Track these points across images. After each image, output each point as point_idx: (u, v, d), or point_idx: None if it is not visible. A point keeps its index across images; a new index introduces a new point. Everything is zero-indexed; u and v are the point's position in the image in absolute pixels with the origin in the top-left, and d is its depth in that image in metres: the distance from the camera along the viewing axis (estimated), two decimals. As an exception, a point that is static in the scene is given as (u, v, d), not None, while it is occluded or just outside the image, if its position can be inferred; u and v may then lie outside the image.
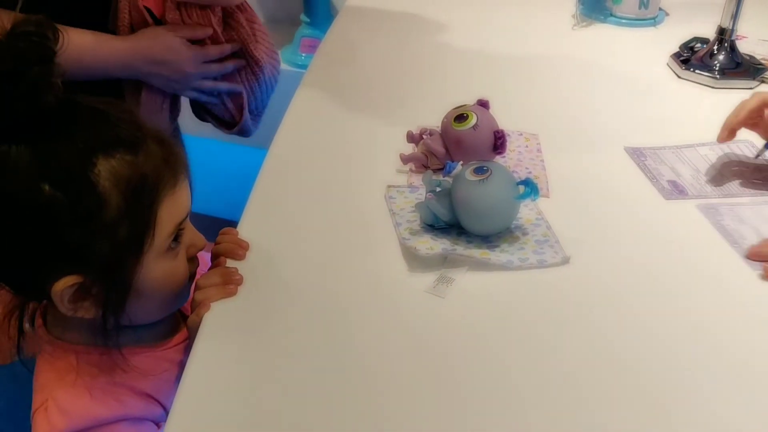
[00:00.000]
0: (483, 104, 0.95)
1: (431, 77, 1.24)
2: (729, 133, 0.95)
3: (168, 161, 0.70)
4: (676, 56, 1.25)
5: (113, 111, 0.70)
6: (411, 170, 0.96)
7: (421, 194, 0.89)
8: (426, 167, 0.95)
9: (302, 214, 0.89)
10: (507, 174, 0.82)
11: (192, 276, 0.78)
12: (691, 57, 1.23)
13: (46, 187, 0.63)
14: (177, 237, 0.73)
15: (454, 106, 0.95)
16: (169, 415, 0.63)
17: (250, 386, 0.65)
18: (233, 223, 0.86)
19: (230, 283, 0.76)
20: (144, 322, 0.76)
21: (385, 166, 0.97)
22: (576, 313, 0.75)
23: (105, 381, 0.73)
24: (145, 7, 1.09)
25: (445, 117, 0.94)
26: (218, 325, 0.72)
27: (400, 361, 0.68)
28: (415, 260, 0.80)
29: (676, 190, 0.93)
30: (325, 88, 1.17)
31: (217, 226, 0.86)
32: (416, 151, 0.95)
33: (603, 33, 1.41)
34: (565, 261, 0.80)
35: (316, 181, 0.95)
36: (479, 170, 0.80)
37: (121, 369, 0.73)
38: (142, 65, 1.11)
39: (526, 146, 1.02)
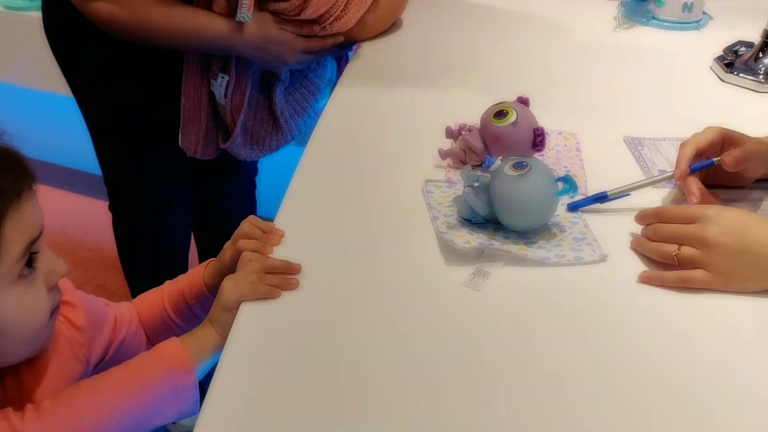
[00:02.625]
0: (523, 101, 0.95)
1: (470, 74, 1.24)
2: (682, 173, 0.85)
3: (5, 171, 0.62)
4: (720, 60, 1.24)
5: None
6: (449, 166, 0.96)
7: (459, 189, 0.89)
8: (464, 163, 0.95)
9: (340, 208, 0.89)
10: (546, 170, 0.81)
11: (55, 309, 0.69)
12: (735, 61, 1.22)
13: None
14: (30, 261, 0.64)
15: (494, 103, 0.95)
16: (202, 407, 0.63)
17: (285, 375, 0.66)
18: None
19: (293, 274, 0.75)
20: (3, 365, 0.67)
21: (423, 161, 0.97)
22: (611, 310, 0.74)
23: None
24: None
25: (485, 113, 0.94)
26: (254, 316, 0.72)
27: (435, 352, 0.68)
28: (452, 254, 0.80)
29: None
30: (364, 83, 1.18)
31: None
32: (455, 146, 0.95)
33: (645, 36, 1.39)
34: (603, 259, 0.80)
35: (353, 175, 0.95)
36: (519, 165, 0.80)
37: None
38: (245, 49, 1.15)
39: (565, 145, 1.01)
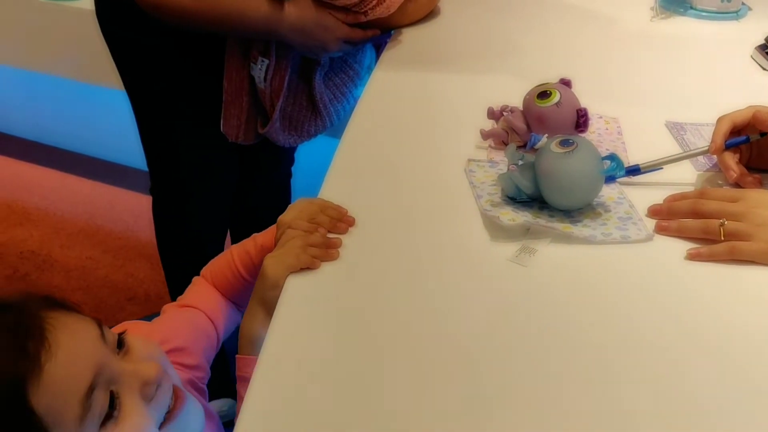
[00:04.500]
0: (565, 83, 0.95)
1: (508, 59, 1.23)
2: (717, 147, 0.86)
3: (18, 344, 0.56)
4: (762, 48, 1.22)
5: None
6: (490, 146, 0.96)
7: (502, 169, 0.89)
8: (505, 143, 0.94)
9: (382, 187, 0.89)
10: (593, 148, 0.81)
11: (176, 399, 0.65)
12: (776, 49, 1.20)
13: None
14: (112, 400, 0.59)
15: (536, 84, 0.94)
16: (250, 383, 0.63)
17: (331, 354, 0.66)
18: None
19: (333, 248, 0.76)
20: None
21: (464, 141, 0.97)
22: (658, 288, 0.74)
23: None
24: None
25: (527, 94, 0.94)
26: (299, 293, 0.72)
27: (483, 325, 0.69)
28: (497, 231, 0.80)
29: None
30: (402, 68, 1.18)
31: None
32: (497, 127, 0.95)
33: (683, 25, 1.38)
34: (649, 238, 0.79)
35: (395, 155, 0.96)
36: (565, 143, 0.80)
37: None
38: (288, 32, 1.16)
39: (606, 128, 1.01)
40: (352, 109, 1.39)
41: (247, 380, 0.63)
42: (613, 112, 1.04)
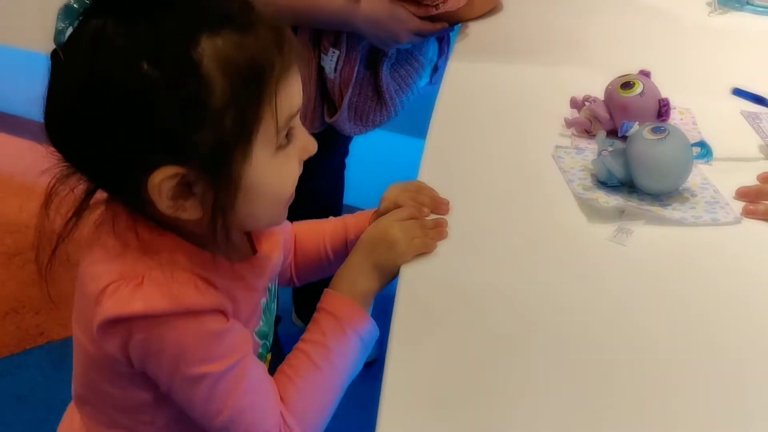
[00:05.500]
0: (645, 74, 0.99)
1: (573, 51, 1.26)
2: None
3: (280, 47, 0.63)
4: (822, 42, 1.26)
5: None
6: (573, 134, 1.00)
7: (587, 156, 0.94)
8: (588, 131, 0.99)
9: (475, 174, 0.93)
10: (683, 135, 0.85)
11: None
12: (837, 43, 1.24)
13: (144, 65, 0.58)
14: (288, 134, 0.66)
15: (616, 75, 0.99)
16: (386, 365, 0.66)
17: (450, 344, 0.70)
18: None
19: (442, 228, 0.79)
20: (250, 228, 0.72)
21: (545, 130, 1.01)
22: (750, 267, 0.78)
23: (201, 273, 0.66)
24: None
25: (610, 84, 0.98)
26: (417, 283, 0.75)
27: (586, 301, 0.73)
28: (592, 213, 0.84)
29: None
30: (475, 60, 1.22)
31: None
32: (580, 115, 1.00)
33: (741, 20, 1.41)
34: (738, 221, 0.83)
35: (483, 144, 1.00)
36: (657, 130, 0.84)
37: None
38: (362, 24, 1.21)
39: (681, 119, 1.05)
40: (414, 100, 1.45)
41: (334, 316, 0.74)
42: (686, 102, 1.08)
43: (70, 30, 0.60)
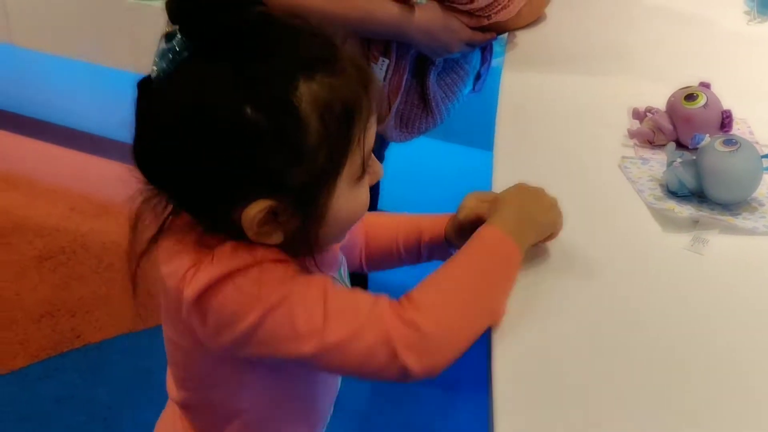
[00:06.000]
0: (706, 86, 1.01)
1: (624, 58, 1.30)
2: None
3: (366, 87, 0.67)
4: None
5: (306, 28, 0.67)
6: (636, 145, 1.02)
7: (653, 166, 0.96)
8: (651, 142, 1.01)
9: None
10: (753, 147, 0.88)
11: None
12: None
13: (248, 110, 0.61)
14: (364, 166, 0.70)
15: (680, 87, 1.01)
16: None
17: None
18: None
19: None
20: (319, 247, 0.72)
21: (607, 140, 1.04)
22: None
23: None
24: None
25: (672, 96, 1.01)
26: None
27: (665, 309, 0.76)
28: (666, 222, 0.87)
29: None
30: (528, 69, 1.25)
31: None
32: (642, 126, 1.02)
33: (778, 28, 1.45)
34: (808, 230, 0.86)
35: (549, 154, 1.02)
36: (729, 142, 0.87)
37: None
38: (416, 34, 1.23)
39: (738, 129, 1.07)
40: (460, 107, 1.47)
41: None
42: (741, 112, 1.11)
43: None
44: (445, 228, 0.87)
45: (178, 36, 0.63)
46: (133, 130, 0.66)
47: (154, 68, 0.64)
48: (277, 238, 0.66)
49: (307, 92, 0.63)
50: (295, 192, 0.64)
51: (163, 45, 0.63)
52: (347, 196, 0.68)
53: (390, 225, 0.92)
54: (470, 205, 0.85)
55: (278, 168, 0.63)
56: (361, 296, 0.69)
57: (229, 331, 0.66)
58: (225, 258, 0.65)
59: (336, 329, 0.65)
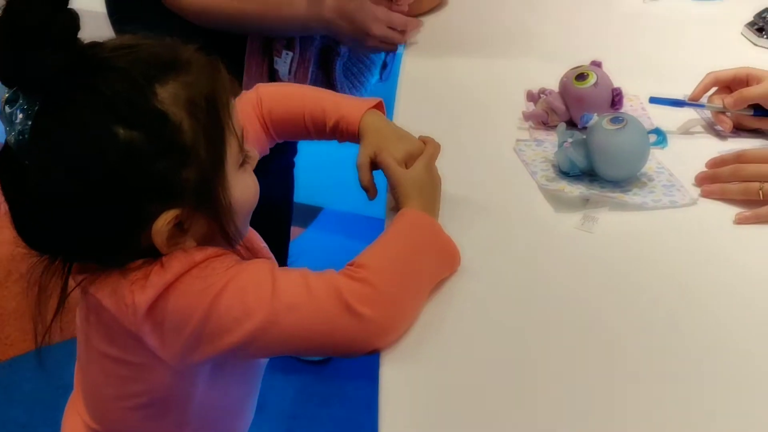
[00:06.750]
0: (597, 64, 1.03)
1: (523, 41, 1.30)
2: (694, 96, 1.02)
3: (217, 74, 0.69)
4: (751, 25, 1.33)
5: (139, 40, 0.68)
6: (531, 127, 1.03)
7: (546, 148, 0.97)
8: (545, 123, 1.02)
9: (441, 167, 0.95)
10: (640, 123, 0.89)
11: None
12: (765, 25, 1.31)
13: (120, 131, 0.62)
14: (242, 149, 0.72)
15: (570, 67, 1.02)
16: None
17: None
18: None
19: None
20: (242, 239, 0.74)
21: (503, 123, 1.04)
22: (710, 246, 0.83)
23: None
24: None
25: (564, 76, 1.01)
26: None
27: (564, 287, 0.77)
28: (557, 203, 0.88)
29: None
30: (428, 52, 1.24)
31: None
32: (537, 108, 1.03)
33: (673, 6, 1.47)
34: (694, 202, 0.88)
35: (444, 138, 1.00)
36: (615, 120, 0.88)
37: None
38: (332, 16, 1.19)
39: (631, 105, 1.09)
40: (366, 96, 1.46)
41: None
42: (634, 89, 1.13)
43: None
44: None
45: (20, 98, 0.63)
46: (6, 206, 0.67)
47: (11, 134, 0.63)
48: (190, 244, 0.68)
49: (167, 95, 0.65)
50: (192, 192, 0.66)
51: (8, 109, 0.63)
52: (238, 184, 0.70)
53: (292, 101, 0.93)
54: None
55: (169, 174, 0.65)
56: (307, 269, 0.70)
57: (184, 331, 0.66)
58: (169, 266, 0.67)
59: (286, 292, 0.67)
